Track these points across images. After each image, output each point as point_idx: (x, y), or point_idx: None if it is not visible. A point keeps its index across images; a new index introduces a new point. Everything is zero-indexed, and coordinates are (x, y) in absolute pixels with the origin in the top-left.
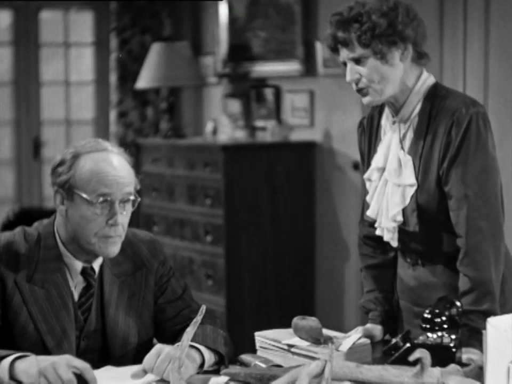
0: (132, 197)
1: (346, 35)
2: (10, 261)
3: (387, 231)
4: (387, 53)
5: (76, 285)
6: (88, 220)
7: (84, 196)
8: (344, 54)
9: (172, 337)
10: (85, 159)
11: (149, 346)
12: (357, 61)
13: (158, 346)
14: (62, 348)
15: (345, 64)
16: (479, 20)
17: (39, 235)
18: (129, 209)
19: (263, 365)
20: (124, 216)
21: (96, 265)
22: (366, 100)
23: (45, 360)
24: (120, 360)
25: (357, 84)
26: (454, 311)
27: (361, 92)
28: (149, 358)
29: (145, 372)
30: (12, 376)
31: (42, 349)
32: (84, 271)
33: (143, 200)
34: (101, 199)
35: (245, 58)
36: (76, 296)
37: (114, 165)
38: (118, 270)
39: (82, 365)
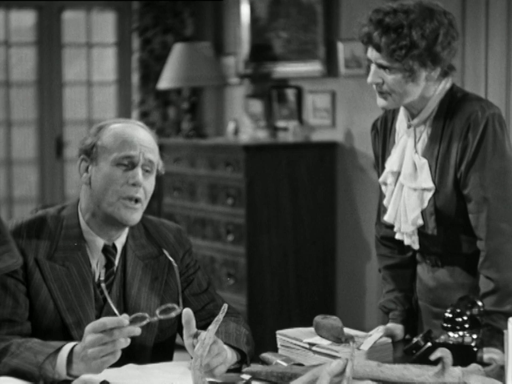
0: (154, 167)
1: (382, 42)
2: (31, 240)
3: (407, 235)
4: (416, 71)
5: (98, 263)
6: (111, 180)
7: (108, 156)
8: (373, 54)
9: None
10: (110, 127)
11: (170, 334)
12: (383, 67)
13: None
14: (81, 325)
15: (370, 61)
16: (501, 20)
17: (62, 216)
18: (152, 180)
19: (284, 364)
20: (147, 182)
21: (119, 243)
22: (381, 103)
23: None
24: (140, 344)
25: (377, 85)
26: (475, 310)
27: (381, 94)
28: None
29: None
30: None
31: (62, 326)
32: (105, 249)
33: (164, 200)
34: (124, 161)
35: (266, 58)
36: (97, 275)
37: (139, 131)
38: (142, 253)
39: (100, 321)
